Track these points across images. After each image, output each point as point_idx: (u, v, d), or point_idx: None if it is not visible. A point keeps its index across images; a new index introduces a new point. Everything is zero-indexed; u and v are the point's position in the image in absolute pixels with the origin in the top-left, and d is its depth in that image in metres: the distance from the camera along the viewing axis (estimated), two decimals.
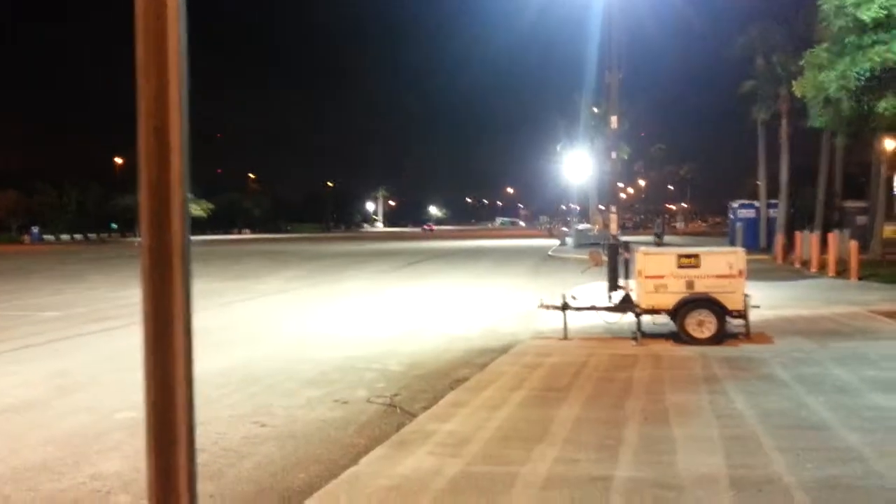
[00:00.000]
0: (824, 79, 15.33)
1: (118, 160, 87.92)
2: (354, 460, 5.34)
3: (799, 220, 31.23)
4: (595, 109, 44.69)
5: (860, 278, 18.63)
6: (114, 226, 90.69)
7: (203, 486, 4.85)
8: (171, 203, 2.11)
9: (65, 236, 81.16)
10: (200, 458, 4.55)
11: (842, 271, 19.82)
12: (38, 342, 11.07)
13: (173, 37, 2.13)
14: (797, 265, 23.83)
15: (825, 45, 15.89)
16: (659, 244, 35.69)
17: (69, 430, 6.37)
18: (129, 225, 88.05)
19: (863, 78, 14.68)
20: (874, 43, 13.27)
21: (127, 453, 5.70)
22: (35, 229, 75.59)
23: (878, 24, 13.09)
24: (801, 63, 16.52)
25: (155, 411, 2.10)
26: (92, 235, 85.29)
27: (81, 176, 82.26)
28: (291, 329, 12.41)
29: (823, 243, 22.65)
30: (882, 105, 13.75)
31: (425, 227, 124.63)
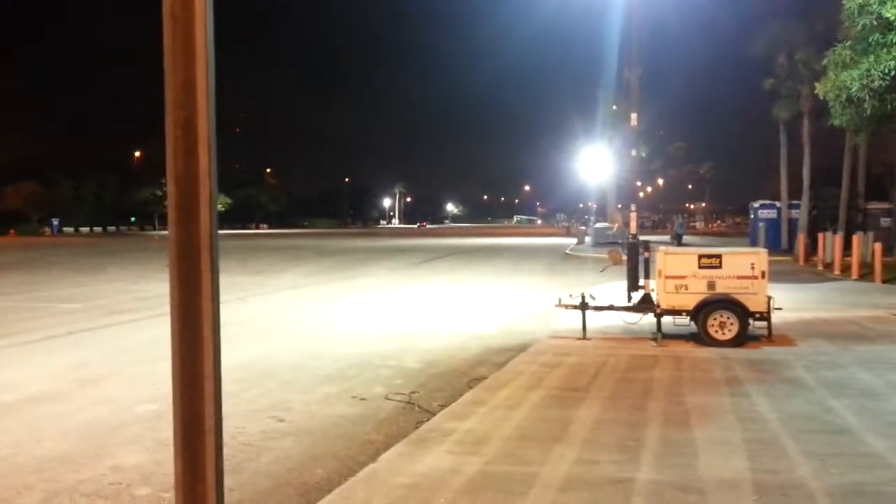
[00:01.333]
0: (846, 78, 15.11)
1: (136, 153, 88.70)
2: (372, 457, 5.32)
3: (821, 221, 30.86)
4: (615, 107, 44.40)
5: (884, 281, 18.37)
6: (132, 219, 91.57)
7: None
8: (199, 195, 2.09)
9: (84, 229, 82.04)
10: None
11: (865, 274, 19.55)
12: (58, 333, 11.17)
13: (201, 27, 2.11)
14: (819, 267, 23.55)
15: (848, 43, 15.67)
16: (679, 245, 35.33)
17: (89, 422, 6.40)
18: (147, 218, 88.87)
19: (887, 77, 14.45)
20: None
21: (147, 446, 5.71)
22: (55, 221, 76.48)
23: None
24: (824, 62, 16.29)
25: (183, 403, 2.09)
26: (111, 228, 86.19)
27: (100, 168, 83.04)
28: (308, 324, 12.43)
29: (846, 245, 22.37)
30: None
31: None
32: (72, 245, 46.40)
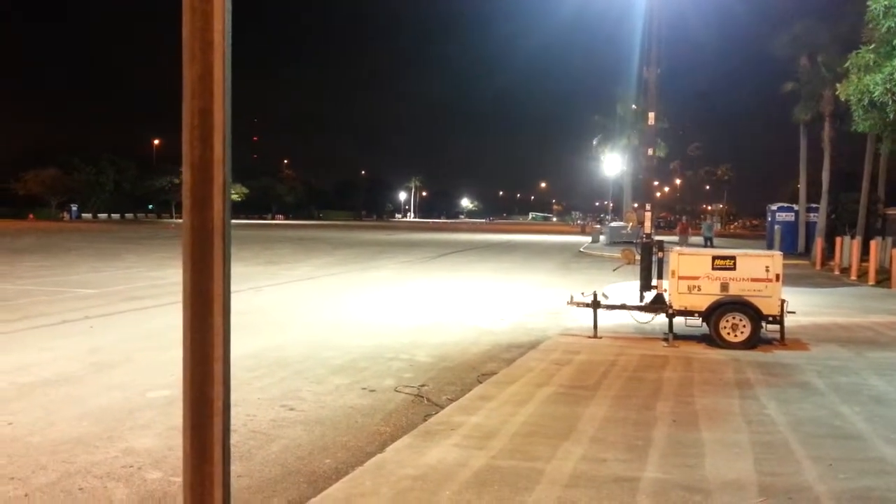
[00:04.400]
0: (869, 81, 14.94)
1: (156, 141, 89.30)
2: (381, 448, 5.36)
3: (839, 225, 30.59)
4: (634, 106, 44.14)
5: None
6: (150, 206, 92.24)
7: (233, 467, 4.90)
8: (214, 183, 2.13)
9: (102, 215, 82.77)
10: (231, 439, 4.59)
11: (882, 280, 19.37)
12: (74, 318, 11.31)
13: (219, 18, 2.14)
14: (836, 272, 23.35)
15: (872, 46, 15.49)
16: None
17: (103, 406, 6.50)
18: (165, 206, 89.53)
19: None
20: None
21: (159, 431, 5.79)
22: (74, 207, 77.19)
23: None
24: (847, 65, 16.13)
25: (192, 385, 2.13)
26: (129, 215, 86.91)
27: (120, 155, 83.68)
28: (321, 315, 12.50)
29: (864, 250, 22.16)
30: None
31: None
32: (89, 231, 46.86)
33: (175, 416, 5.98)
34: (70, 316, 11.51)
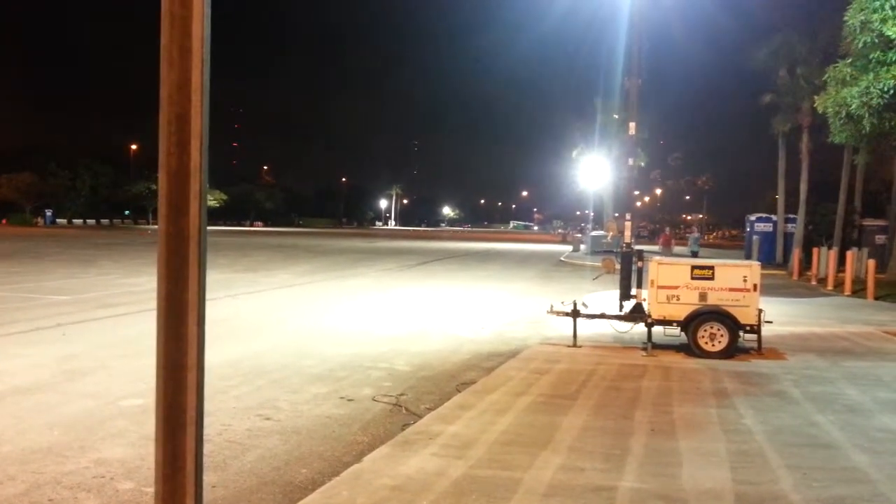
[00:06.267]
0: (846, 94, 15.18)
1: (133, 146, 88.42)
2: (358, 458, 5.32)
3: (816, 236, 30.99)
4: (615, 116, 44.46)
5: (877, 298, 18.46)
6: (127, 212, 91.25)
7: (207, 477, 4.83)
8: (190, 190, 2.11)
9: (77, 220, 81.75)
10: (205, 449, 4.51)
11: (858, 290, 19.64)
12: (47, 325, 11.14)
13: (198, 24, 2.12)
14: (813, 282, 23.64)
15: (849, 60, 15.75)
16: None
17: (75, 415, 6.39)
18: (142, 212, 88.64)
19: (886, 95, 14.53)
20: None
21: (132, 440, 5.71)
22: (49, 212, 76.12)
23: None
24: (825, 78, 16.38)
25: (165, 393, 2.10)
26: (104, 221, 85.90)
27: (96, 160, 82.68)
28: (300, 324, 12.42)
29: (841, 261, 22.46)
30: None
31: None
32: (64, 236, 46.26)
33: (149, 426, 5.88)
34: (43, 323, 11.33)
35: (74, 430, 5.95)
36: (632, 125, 13.61)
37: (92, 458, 5.27)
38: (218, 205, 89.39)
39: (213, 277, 18.75)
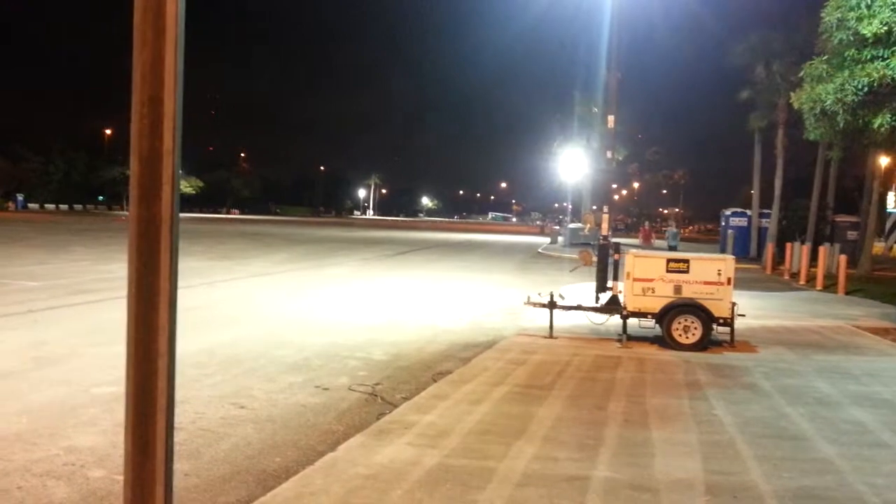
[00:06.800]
0: (822, 91, 15.33)
1: (108, 131, 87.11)
2: (332, 447, 5.31)
3: (790, 231, 31.41)
4: (595, 109, 44.61)
5: (847, 293, 18.75)
6: (101, 198, 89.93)
7: (179, 465, 4.80)
8: (162, 174, 2.07)
9: (50, 206, 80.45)
10: (178, 437, 4.51)
11: (830, 285, 19.94)
12: (17, 311, 10.96)
13: (172, 3, 2.08)
14: (786, 276, 23.97)
15: (825, 57, 15.90)
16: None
17: (45, 403, 6.30)
18: (116, 197, 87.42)
19: (860, 93, 14.71)
20: (873, 58, 13.29)
21: (103, 428, 5.64)
22: (20, 197, 74.78)
23: (878, 40, 13.11)
24: (801, 74, 16.54)
25: (136, 381, 2.07)
26: (78, 206, 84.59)
27: (70, 144, 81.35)
28: (276, 312, 12.35)
29: (813, 256, 22.77)
30: (877, 121, 13.78)
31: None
32: (36, 221, 45.50)
33: (121, 413, 5.79)
34: (13, 309, 11.15)
35: (45, 417, 5.86)
36: (611, 118, 13.67)
37: (62, 446, 5.21)
38: (194, 192, 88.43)
39: (188, 265, 18.58)
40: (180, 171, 2.16)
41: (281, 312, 12.31)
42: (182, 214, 2.06)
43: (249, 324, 10.97)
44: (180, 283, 2.11)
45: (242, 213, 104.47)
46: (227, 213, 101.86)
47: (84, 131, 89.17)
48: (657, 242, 44.98)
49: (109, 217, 62.40)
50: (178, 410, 2.17)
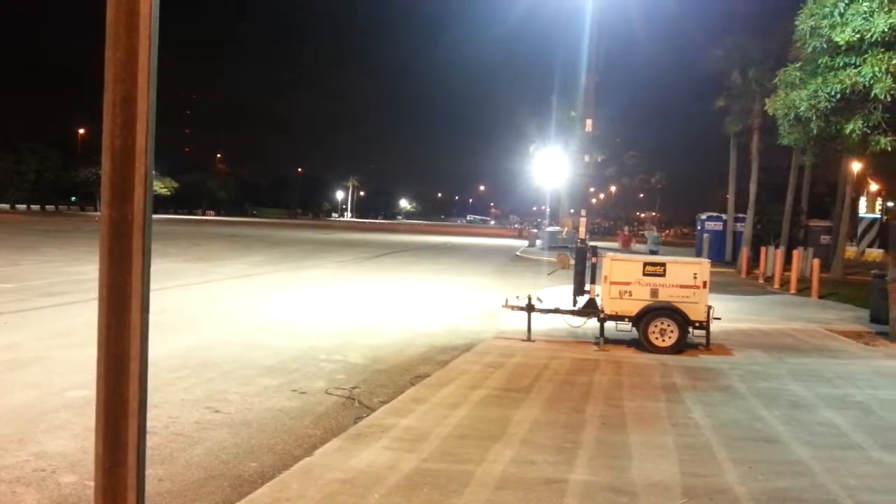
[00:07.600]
0: (796, 97, 15.54)
1: (81, 130, 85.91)
2: (309, 451, 5.26)
3: (765, 235, 31.79)
4: (573, 112, 44.83)
5: (821, 296, 19.00)
6: (73, 198, 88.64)
7: (153, 470, 4.73)
8: (135, 175, 2.03)
9: (21, 206, 79.15)
10: (151, 441, 4.43)
11: (803, 289, 20.20)
12: None
13: (145, 2, 2.04)
14: (760, 280, 24.24)
15: (799, 64, 16.13)
16: None
17: (15, 406, 6.17)
18: (89, 198, 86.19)
19: (833, 99, 14.93)
20: (846, 65, 13.48)
21: (75, 432, 5.54)
22: None
23: (851, 47, 13.30)
24: (775, 81, 16.75)
25: (107, 384, 2.03)
26: (50, 207, 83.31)
27: (42, 144, 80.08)
28: (252, 315, 12.24)
29: (787, 260, 23.06)
30: (850, 127, 13.98)
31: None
32: (7, 222, 44.72)
33: (93, 417, 5.72)
34: None
35: (14, 421, 5.74)
36: (588, 122, 13.74)
37: (32, 451, 5.10)
38: (168, 192, 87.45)
39: (162, 266, 18.36)
40: (154, 172, 2.12)
41: (257, 315, 12.20)
42: (157, 216, 2.03)
43: (225, 326, 10.86)
44: (154, 285, 2.07)
45: (218, 214, 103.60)
46: (203, 214, 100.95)
47: (57, 130, 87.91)
48: (637, 247, 45.01)
49: (82, 218, 61.52)
50: (151, 414, 2.12)
